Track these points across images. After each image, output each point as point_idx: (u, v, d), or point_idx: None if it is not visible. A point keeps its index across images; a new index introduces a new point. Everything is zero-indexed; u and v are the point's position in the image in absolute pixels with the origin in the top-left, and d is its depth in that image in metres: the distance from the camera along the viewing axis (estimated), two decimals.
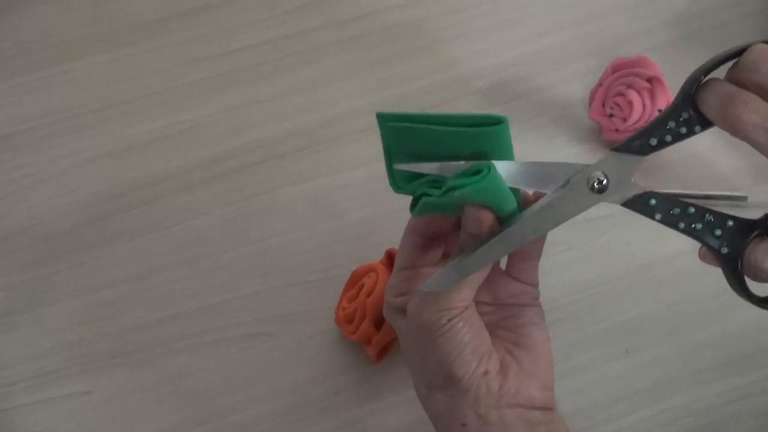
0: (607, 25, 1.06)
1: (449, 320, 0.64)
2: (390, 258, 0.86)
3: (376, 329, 0.83)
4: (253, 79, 1.06)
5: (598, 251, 0.92)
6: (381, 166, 0.96)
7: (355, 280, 0.88)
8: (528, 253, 0.73)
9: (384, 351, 0.85)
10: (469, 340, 0.65)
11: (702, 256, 0.65)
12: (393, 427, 0.84)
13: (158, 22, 1.10)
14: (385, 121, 0.68)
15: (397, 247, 0.85)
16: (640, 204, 0.65)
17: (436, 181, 0.66)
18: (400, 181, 0.69)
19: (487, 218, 0.64)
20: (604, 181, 0.64)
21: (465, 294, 0.65)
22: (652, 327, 0.87)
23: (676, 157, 0.95)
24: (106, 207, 0.98)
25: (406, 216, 0.88)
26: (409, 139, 0.67)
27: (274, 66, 1.07)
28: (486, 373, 0.66)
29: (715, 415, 0.83)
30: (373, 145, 0.98)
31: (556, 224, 0.64)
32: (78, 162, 1.01)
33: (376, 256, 0.88)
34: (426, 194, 0.66)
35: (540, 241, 0.72)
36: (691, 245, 0.84)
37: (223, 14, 1.10)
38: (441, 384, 0.66)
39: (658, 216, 0.65)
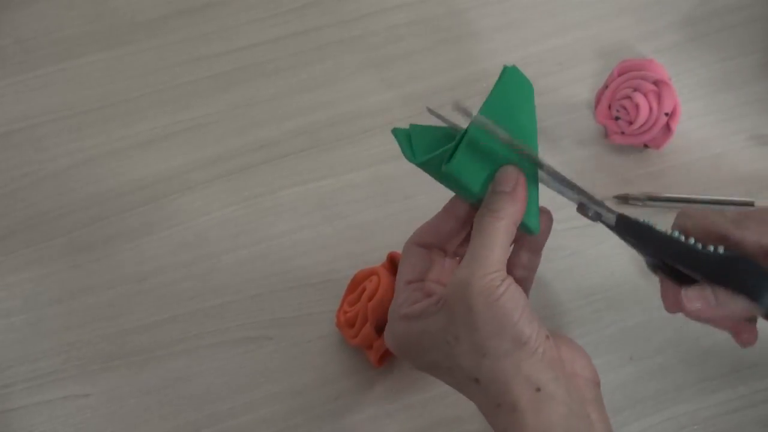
0: (613, 28, 1.06)
1: (503, 281, 0.64)
2: (392, 261, 0.86)
3: (378, 334, 0.83)
4: (255, 79, 1.05)
5: (602, 257, 0.91)
6: (384, 168, 0.97)
7: (357, 283, 0.87)
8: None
9: (385, 356, 0.85)
10: (525, 302, 0.65)
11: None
12: None
13: (159, 20, 1.10)
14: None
15: (399, 250, 0.85)
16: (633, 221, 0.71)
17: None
18: (419, 152, 0.69)
19: (520, 174, 0.67)
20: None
21: (499, 255, 0.66)
22: (656, 334, 0.86)
23: (681, 162, 0.95)
24: (106, 207, 0.97)
25: (408, 219, 0.88)
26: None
27: (276, 65, 1.06)
28: (547, 337, 0.66)
29: (720, 423, 0.82)
30: (376, 147, 0.98)
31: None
32: (78, 161, 1.01)
33: (378, 260, 0.87)
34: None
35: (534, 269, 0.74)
36: None
37: (225, 13, 1.10)
38: (508, 349, 0.64)
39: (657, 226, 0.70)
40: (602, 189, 0.93)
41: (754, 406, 0.83)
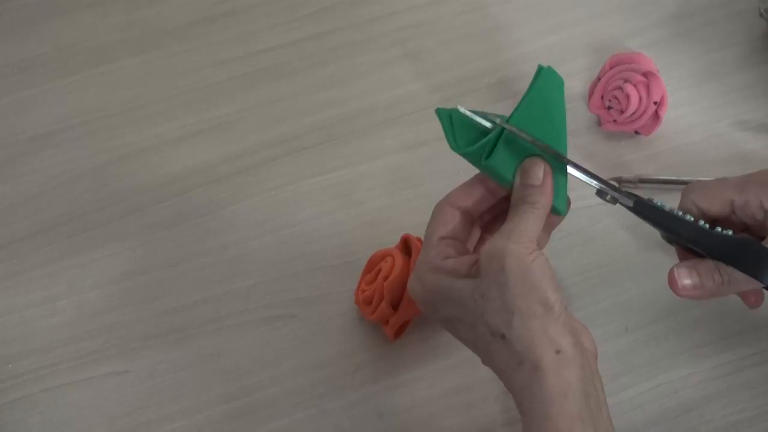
0: (604, 25, 1.05)
1: (535, 251, 0.65)
2: (405, 243, 0.85)
3: (393, 310, 0.83)
4: (275, 79, 1.05)
5: (598, 236, 0.90)
6: (394, 159, 0.97)
7: (373, 264, 0.87)
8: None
9: (400, 330, 0.85)
10: (552, 273, 0.66)
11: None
12: (408, 401, 0.83)
13: (186, 27, 1.10)
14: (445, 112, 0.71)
15: (411, 233, 0.85)
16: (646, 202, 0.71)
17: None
18: (462, 143, 0.70)
19: (547, 167, 0.69)
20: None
21: (533, 233, 0.67)
22: (649, 306, 0.86)
23: (669, 147, 0.95)
24: (140, 199, 0.97)
25: (418, 204, 0.88)
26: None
27: (294, 66, 1.06)
28: (566, 307, 0.66)
29: (710, 387, 0.82)
30: (388, 139, 0.98)
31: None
32: (114, 158, 1.01)
33: (392, 242, 0.87)
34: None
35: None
36: None
37: (246, 19, 1.10)
38: (536, 311, 0.64)
39: (667, 207, 0.70)
40: (597, 172, 0.92)
41: (741, 370, 0.82)
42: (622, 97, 0.93)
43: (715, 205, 0.71)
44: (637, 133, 0.95)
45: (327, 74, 1.05)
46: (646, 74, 0.93)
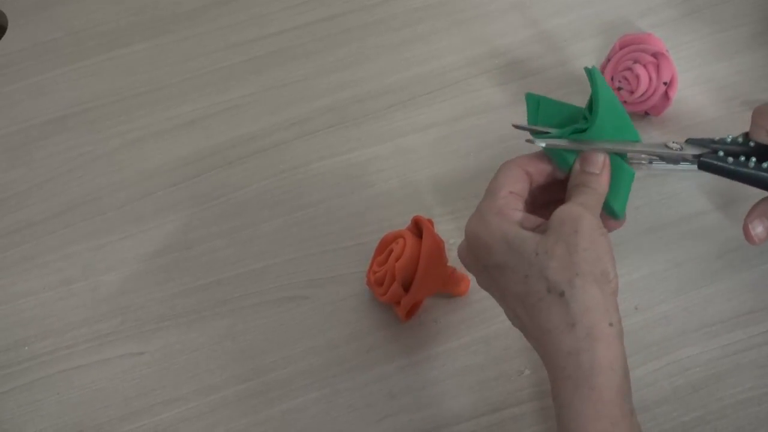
0: (614, 5, 1.05)
1: (603, 227, 0.66)
2: (416, 225, 0.85)
3: (405, 291, 0.83)
4: (287, 62, 1.05)
5: None
6: (405, 141, 0.97)
7: (384, 245, 0.87)
8: None
9: (412, 311, 0.85)
10: (613, 253, 0.66)
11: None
12: (420, 381, 0.83)
13: (198, 11, 1.10)
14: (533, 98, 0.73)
15: (421, 214, 0.85)
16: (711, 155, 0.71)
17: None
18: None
19: (606, 159, 0.70)
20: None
21: (597, 210, 0.68)
22: (660, 285, 0.86)
23: (680, 127, 0.95)
24: (154, 182, 0.98)
25: (430, 186, 0.87)
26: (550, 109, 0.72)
27: (305, 49, 1.06)
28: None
29: (720, 365, 0.82)
30: (399, 121, 0.98)
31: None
32: (127, 141, 1.01)
33: (403, 224, 0.87)
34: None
35: None
36: (696, 209, 0.83)
37: (258, 2, 1.10)
38: (598, 278, 0.64)
39: (730, 159, 0.69)
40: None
41: (751, 348, 0.82)
42: (632, 78, 0.92)
43: None
44: (647, 113, 0.95)
45: (338, 57, 1.05)
46: (655, 55, 0.93)
